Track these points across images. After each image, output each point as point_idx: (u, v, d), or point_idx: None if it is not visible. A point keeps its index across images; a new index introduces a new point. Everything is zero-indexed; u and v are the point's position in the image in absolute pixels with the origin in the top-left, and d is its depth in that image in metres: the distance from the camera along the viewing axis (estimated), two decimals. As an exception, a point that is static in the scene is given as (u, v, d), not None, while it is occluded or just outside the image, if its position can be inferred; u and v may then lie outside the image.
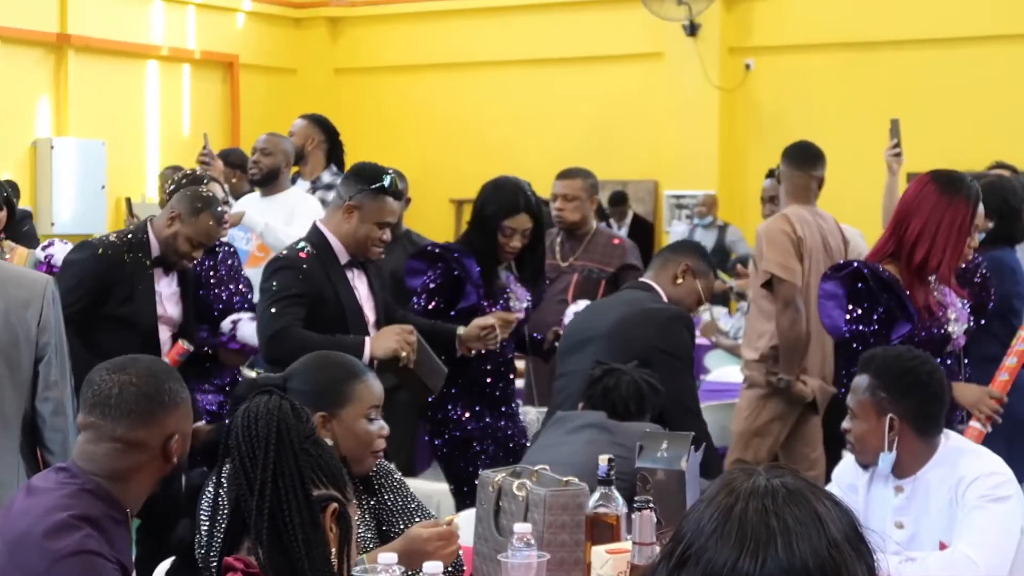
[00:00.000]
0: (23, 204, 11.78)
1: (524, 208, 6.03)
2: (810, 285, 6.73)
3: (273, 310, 5.30)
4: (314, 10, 16.94)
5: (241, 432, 2.56)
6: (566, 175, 7.56)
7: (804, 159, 6.98)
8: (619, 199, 14.65)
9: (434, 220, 13.40)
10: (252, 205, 7.60)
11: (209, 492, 3.70)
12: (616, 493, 3.83)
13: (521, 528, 3.63)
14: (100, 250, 5.74)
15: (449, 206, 15.44)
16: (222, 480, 2.64)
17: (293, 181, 8.07)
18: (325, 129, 8.19)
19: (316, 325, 5.29)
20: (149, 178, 15.03)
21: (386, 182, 5.46)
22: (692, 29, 14.63)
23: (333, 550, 2.62)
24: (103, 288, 5.70)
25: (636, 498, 3.61)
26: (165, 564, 4.03)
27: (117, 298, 5.72)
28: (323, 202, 7.61)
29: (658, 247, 14.43)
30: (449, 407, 6.01)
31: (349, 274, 5.53)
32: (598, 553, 3.63)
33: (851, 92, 14.04)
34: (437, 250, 6.09)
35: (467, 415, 5.99)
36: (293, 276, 5.37)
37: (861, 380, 4.18)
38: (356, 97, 16.52)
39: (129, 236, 5.83)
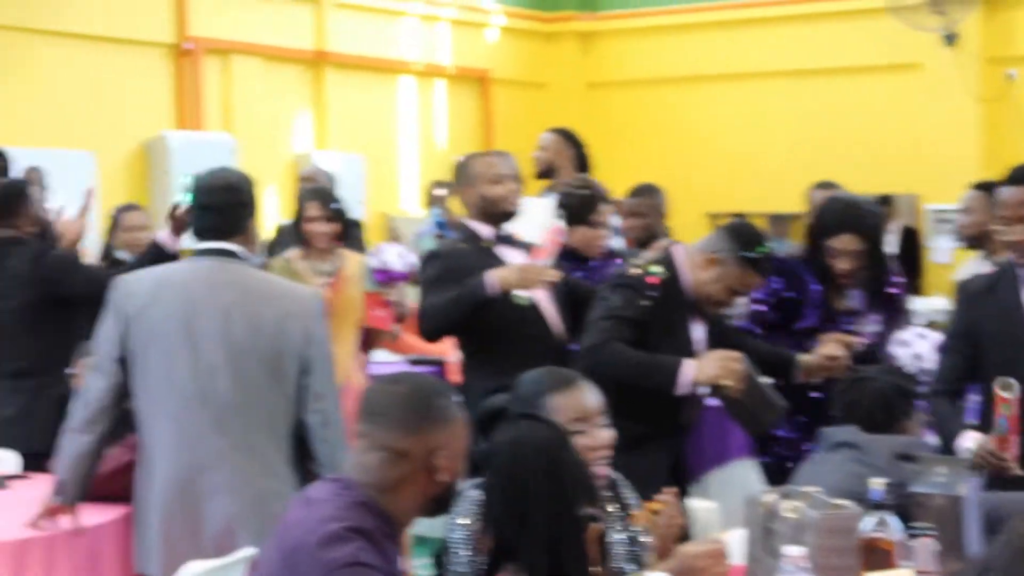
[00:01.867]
0: (286, 218, 12.07)
1: (850, 228, 5.73)
2: None
3: (604, 324, 5.26)
4: (565, 24, 17.00)
5: (510, 462, 2.55)
6: (822, 186, 7.44)
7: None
8: (883, 202, 14.41)
9: (689, 235, 13.22)
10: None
11: (462, 518, 3.71)
12: (892, 518, 3.73)
13: (793, 551, 3.57)
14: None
15: (704, 220, 15.32)
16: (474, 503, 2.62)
17: (544, 195, 8.11)
18: (573, 143, 8.22)
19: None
20: (406, 193, 15.27)
21: (756, 255, 5.28)
22: (950, 39, 14.28)
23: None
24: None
25: (915, 524, 3.51)
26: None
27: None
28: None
29: (923, 261, 14.12)
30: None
31: (691, 316, 5.41)
32: (875, 581, 3.55)
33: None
34: (781, 262, 5.90)
35: (797, 432, 5.76)
36: (634, 299, 5.29)
37: None
38: (607, 110, 16.52)
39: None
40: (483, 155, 6.08)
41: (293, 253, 7.12)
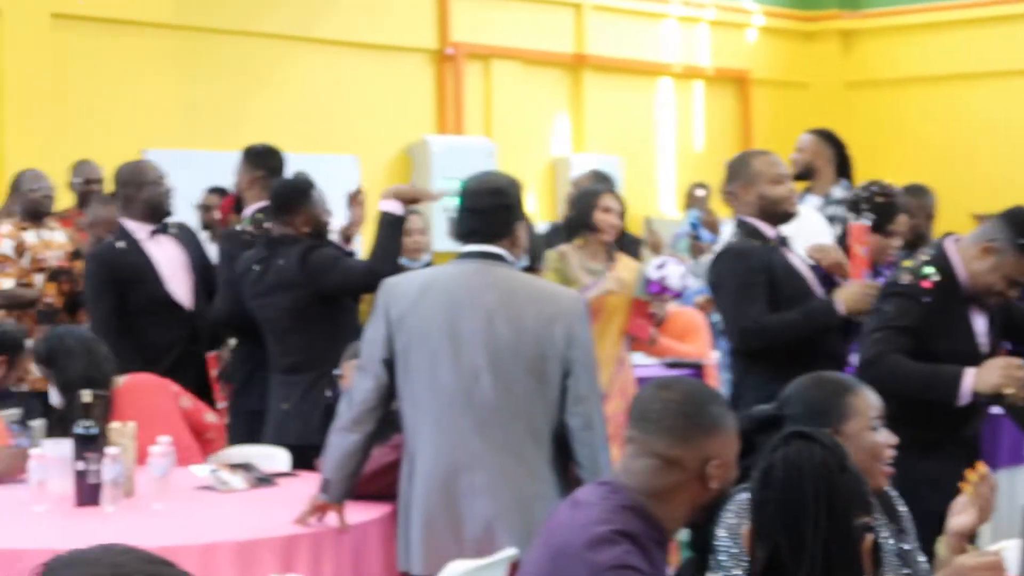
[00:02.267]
0: (544, 221, 12.14)
1: None
2: None
3: (878, 335, 5.15)
4: (826, 23, 16.74)
5: (783, 485, 2.52)
6: None
7: None
8: None
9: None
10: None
11: (730, 520, 3.65)
12: None
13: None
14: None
15: (970, 222, 14.93)
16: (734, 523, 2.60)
17: (802, 198, 7.98)
18: (833, 143, 8.06)
19: (922, 358, 5.12)
20: (663, 194, 15.22)
21: None
22: None
23: None
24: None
25: None
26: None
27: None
28: (832, 219, 7.46)
29: None
30: None
31: (971, 309, 5.27)
32: None
33: None
34: None
35: None
36: (908, 306, 5.18)
37: None
38: (870, 110, 16.22)
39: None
40: (763, 154, 5.95)
41: (567, 246, 7.14)
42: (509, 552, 4.48)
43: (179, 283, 6.93)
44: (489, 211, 4.76)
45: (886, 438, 3.76)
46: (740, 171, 5.82)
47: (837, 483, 2.54)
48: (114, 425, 5.11)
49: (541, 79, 14.29)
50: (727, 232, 6.99)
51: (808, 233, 7.08)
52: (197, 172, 10.40)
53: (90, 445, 4.89)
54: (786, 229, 6.40)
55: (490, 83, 13.80)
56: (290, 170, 9.84)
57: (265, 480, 5.37)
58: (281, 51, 12.29)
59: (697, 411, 3.25)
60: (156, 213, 6.97)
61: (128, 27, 11.32)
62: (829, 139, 8.07)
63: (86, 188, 9.01)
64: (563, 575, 3.12)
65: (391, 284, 4.79)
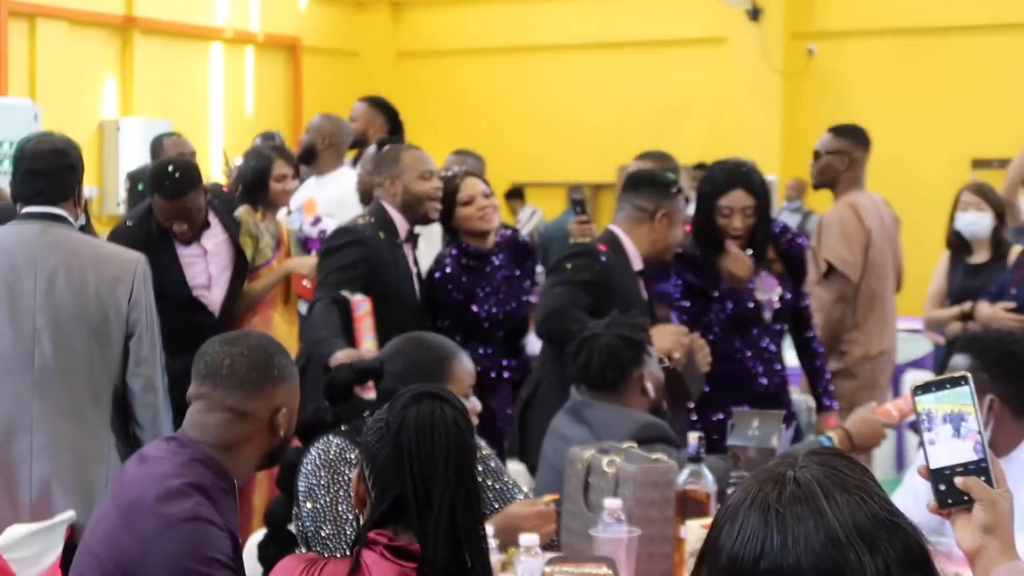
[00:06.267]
0: (90, 184, 11.89)
1: (741, 184, 5.55)
2: (883, 275, 6.72)
3: (558, 290, 5.34)
4: (376, -7, 16.97)
5: (416, 441, 2.73)
6: (648, 156, 7.20)
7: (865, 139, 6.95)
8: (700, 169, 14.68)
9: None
10: (308, 185, 7.64)
11: (312, 471, 3.75)
12: (706, 470, 3.85)
13: (611, 503, 3.68)
14: None
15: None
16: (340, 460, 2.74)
17: (354, 164, 8.06)
18: (386, 112, 8.19)
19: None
20: (213, 159, 15.12)
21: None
22: (755, 14, 14.61)
23: None
24: None
25: (731, 475, 3.64)
26: (256, 537, 4.10)
27: None
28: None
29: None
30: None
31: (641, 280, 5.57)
32: (693, 528, 3.67)
33: (914, 77, 13.99)
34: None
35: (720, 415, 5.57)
36: (586, 264, 5.42)
37: (960, 360, 4.13)
38: (418, 80, 16.55)
39: None
40: (410, 148, 6.07)
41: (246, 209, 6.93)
42: (67, 515, 4.45)
43: None
44: (53, 172, 4.68)
45: (473, 406, 3.94)
46: (387, 161, 5.94)
47: (466, 444, 2.78)
48: None
49: (89, 40, 13.95)
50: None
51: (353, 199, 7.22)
52: None
53: None
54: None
55: (35, 43, 13.38)
56: None
57: None
58: None
59: (267, 363, 3.33)
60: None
61: None
62: (381, 106, 8.20)
63: None
64: (135, 529, 3.13)
65: None
